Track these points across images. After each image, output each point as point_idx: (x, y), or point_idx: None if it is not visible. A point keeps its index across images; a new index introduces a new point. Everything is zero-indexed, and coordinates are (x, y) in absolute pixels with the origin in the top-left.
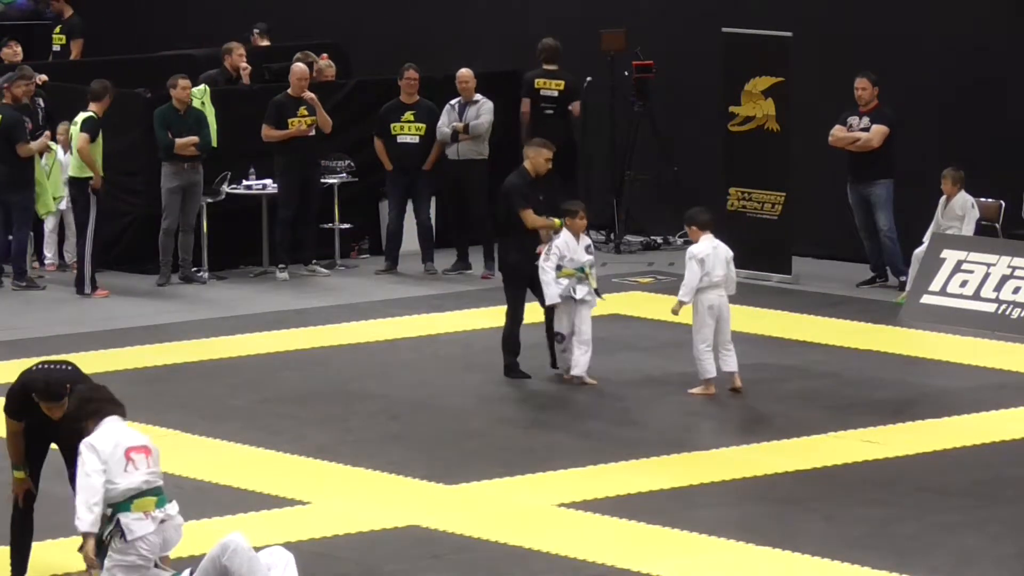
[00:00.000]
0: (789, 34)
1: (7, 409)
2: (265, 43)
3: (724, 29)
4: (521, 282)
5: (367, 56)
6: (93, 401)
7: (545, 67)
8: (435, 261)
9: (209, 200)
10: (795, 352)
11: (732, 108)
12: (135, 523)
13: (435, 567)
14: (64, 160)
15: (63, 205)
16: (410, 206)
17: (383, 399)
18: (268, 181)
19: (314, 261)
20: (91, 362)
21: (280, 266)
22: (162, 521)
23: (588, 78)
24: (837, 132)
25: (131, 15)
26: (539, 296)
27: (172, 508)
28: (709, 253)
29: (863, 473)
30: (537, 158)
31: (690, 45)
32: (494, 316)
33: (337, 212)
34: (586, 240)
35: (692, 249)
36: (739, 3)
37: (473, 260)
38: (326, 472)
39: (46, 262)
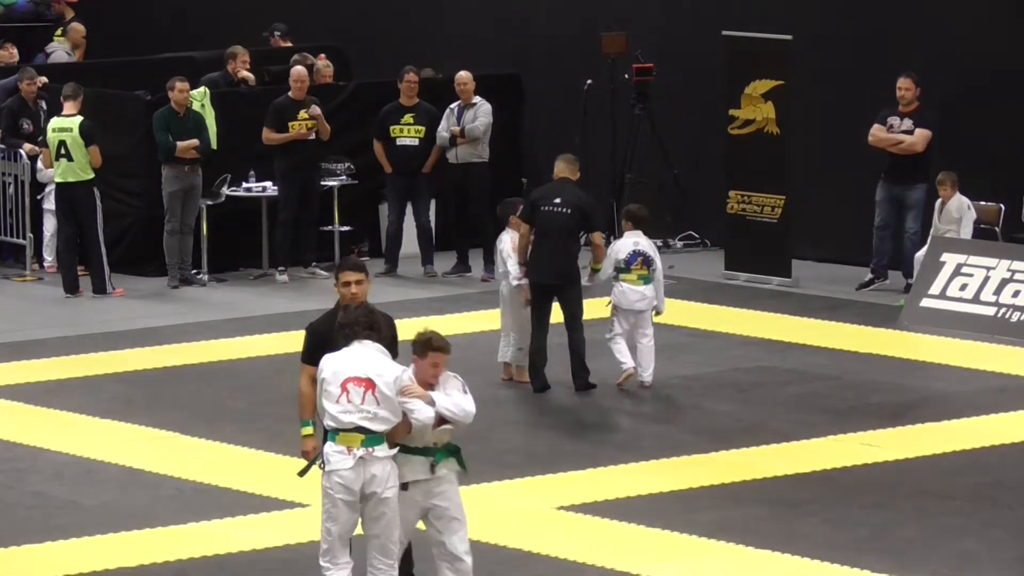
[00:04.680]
0: (789, 37)
1: (306, 356)
2: (287, 44)
3: (724, 32)
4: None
5: (367, 58)
6: (355, 325)
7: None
8: (435, 264)
9: (209, 203)
10: (795, 355)
11: (732, 111)
12: (335, 455)
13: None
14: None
15: (48, 204)
16: (410, 209)
17: None
18: (268, 184)
19: (314, 263)
20: (90, 364)
21: (280, 268)
22: (361, 458)
23: (588, 80)
24: (877, 132)
25: (131, 17)
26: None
27: (381, 451)
28: None
29: (863, 476)
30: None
31: (690, 48)
32: (494, 319)
33: (337, 214)
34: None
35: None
36: (739, 6)
37: (473, 263)
38: None
39: (46, 264)
